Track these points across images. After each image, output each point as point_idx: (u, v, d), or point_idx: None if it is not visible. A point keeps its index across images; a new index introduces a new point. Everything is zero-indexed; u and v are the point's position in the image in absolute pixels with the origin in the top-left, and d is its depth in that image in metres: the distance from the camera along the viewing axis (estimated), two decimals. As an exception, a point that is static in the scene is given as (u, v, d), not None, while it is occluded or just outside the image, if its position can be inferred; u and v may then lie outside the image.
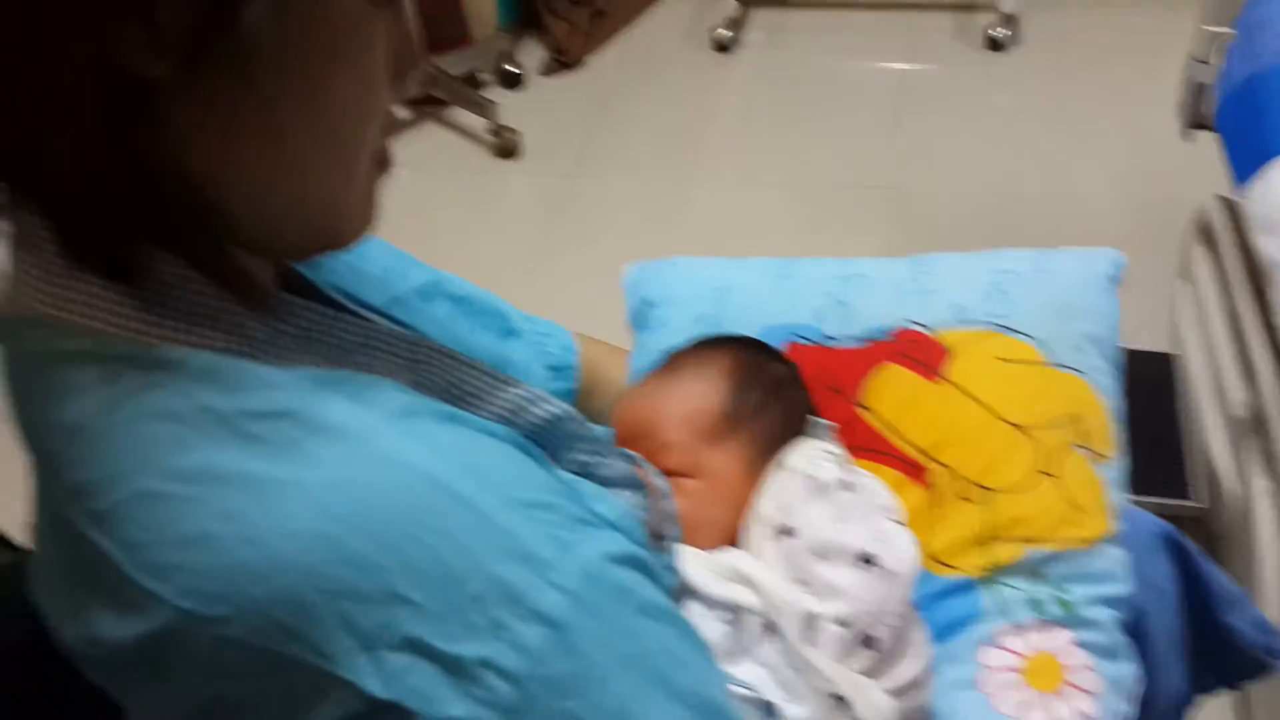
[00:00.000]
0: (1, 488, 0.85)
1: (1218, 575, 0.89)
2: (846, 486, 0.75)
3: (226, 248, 0.51)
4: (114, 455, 0.46)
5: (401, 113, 2.58)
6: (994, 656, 0.77)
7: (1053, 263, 0.95)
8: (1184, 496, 1.47)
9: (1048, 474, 0.82)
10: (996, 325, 0.90)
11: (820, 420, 0.82)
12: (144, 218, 0.48)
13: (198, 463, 0.45)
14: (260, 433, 0.46)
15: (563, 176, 2.42)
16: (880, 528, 0.74)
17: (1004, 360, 0.88)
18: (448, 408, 0.52)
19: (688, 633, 0.54)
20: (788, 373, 0.86)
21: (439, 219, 2.35)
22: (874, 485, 0.80)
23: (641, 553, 0.53)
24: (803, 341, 0.92)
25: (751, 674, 0.69)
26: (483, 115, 2.45)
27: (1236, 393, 1.35)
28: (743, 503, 0.77)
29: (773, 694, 0.68)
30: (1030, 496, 0.81)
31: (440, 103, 2.55)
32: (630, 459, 0.69)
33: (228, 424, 0.46)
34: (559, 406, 0.62)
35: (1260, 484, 1.28)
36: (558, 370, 0.92)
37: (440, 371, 0.59)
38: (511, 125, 2.44)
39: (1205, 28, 1.42)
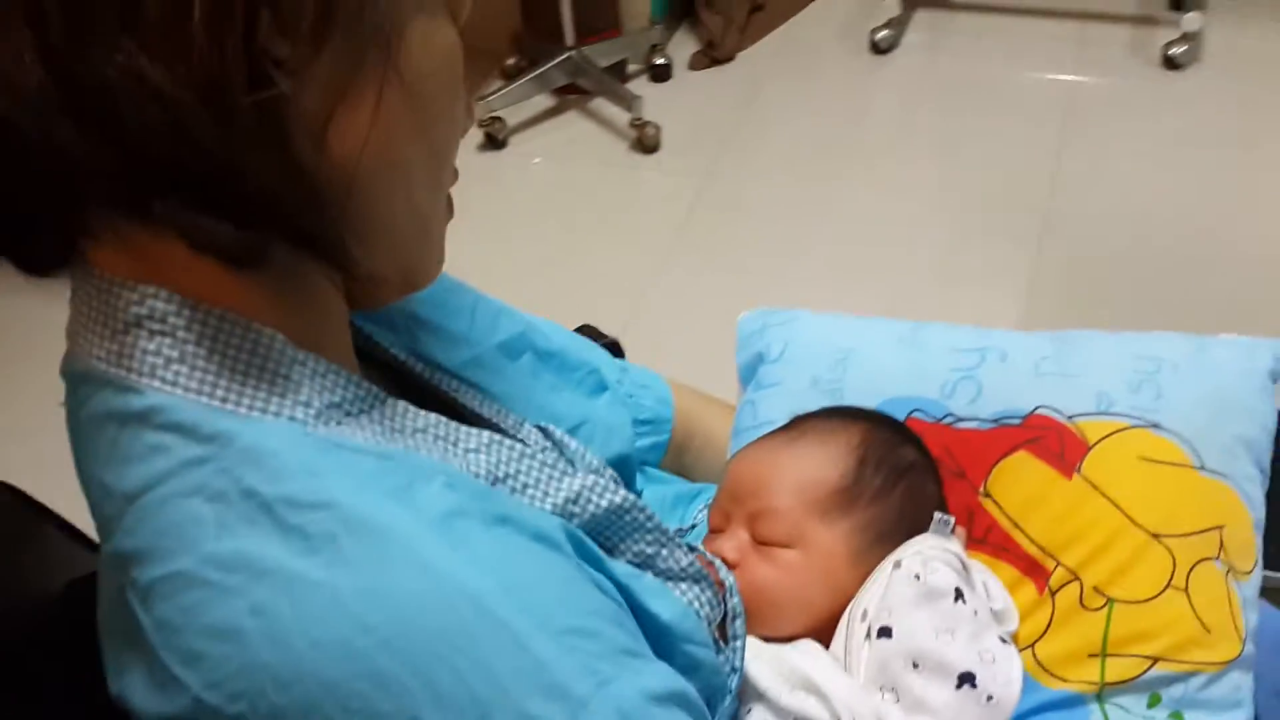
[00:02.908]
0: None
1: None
2: (960, 596, 0.70)
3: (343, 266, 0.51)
4: (159, 531, 0.46)
5: (545, 100, 2.58)
6: (1098, 782, 0.71)
7: (1210, 353, 0.87)
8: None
9: (1180, 589, 0.76)
10: (1143, 421, 0.83)
11: (946, 516, 0.76)
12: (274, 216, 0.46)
13: (235, 549, 0.45)
14: (300, 524, 0.45)
15: (699, 175, 2.38)
16: (988, 647, 0.69)
17: (1147, 460, 0.81)
18: (499, 508, 0.50)
19: None
20: (920, 460, 0.80)
21: (570, 210, 2.35)
22: (991, 586, 0.75)
23: (687, 689, 0.50)
24: (926, 418, 0.87)
25: None
26: (625, 108, 2.42)
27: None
28: (841, 589, 0.73)
29: None
30: (1158, 611, 0.76)
31: (584, 92, 2.54)
32: (695, 551, 0.66)
33: (269, 510, 0.45)
34: (622, 496, 0.60)
35: None
36: (650, 424, 0.89)
37: (500, 460, 0.58)
38: (654, 120, 2.41)
39: None
